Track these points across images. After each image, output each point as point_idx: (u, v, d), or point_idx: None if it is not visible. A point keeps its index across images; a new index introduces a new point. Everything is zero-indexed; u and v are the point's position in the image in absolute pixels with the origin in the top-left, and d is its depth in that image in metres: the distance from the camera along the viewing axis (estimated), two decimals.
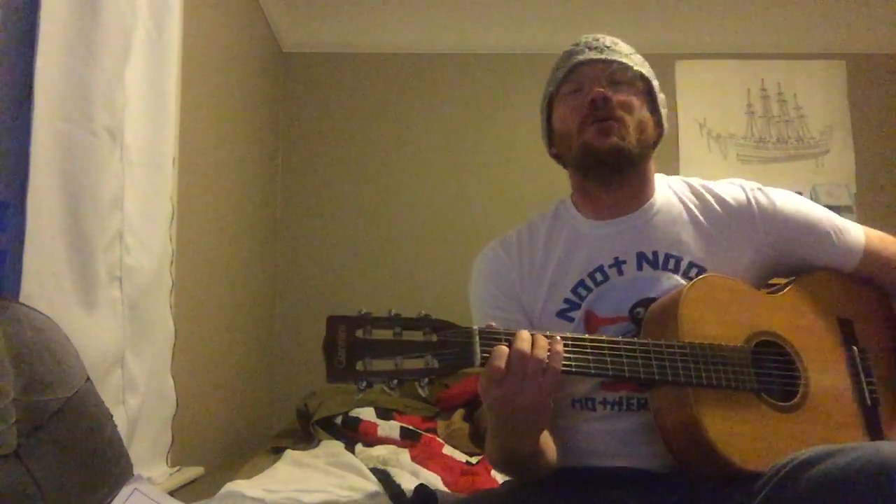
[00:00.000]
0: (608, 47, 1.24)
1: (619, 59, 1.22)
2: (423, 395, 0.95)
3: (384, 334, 0.92)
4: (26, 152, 1.24)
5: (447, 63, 3.28)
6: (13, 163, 1.28)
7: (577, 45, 1.27)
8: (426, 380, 0.91)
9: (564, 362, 0.97)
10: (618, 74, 1.21)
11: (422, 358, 0.92)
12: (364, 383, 0.90)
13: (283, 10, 3.10)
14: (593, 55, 1.22)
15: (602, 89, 1.18)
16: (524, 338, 0.95)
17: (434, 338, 0.93)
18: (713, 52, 3.27)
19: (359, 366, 0.90)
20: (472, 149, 3.21)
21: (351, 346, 0.90)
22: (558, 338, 0.98)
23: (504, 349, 0.94)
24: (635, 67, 1.23)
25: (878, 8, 3.24)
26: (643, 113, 1.21)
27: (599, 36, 1.26)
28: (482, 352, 0.94)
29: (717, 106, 3.25)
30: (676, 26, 3.23)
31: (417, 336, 0.92)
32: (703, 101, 3.24)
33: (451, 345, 0.93)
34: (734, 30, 3.27)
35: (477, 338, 0.95)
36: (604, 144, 1.17)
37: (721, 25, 3.27)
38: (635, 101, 1.21)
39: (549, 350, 0.96)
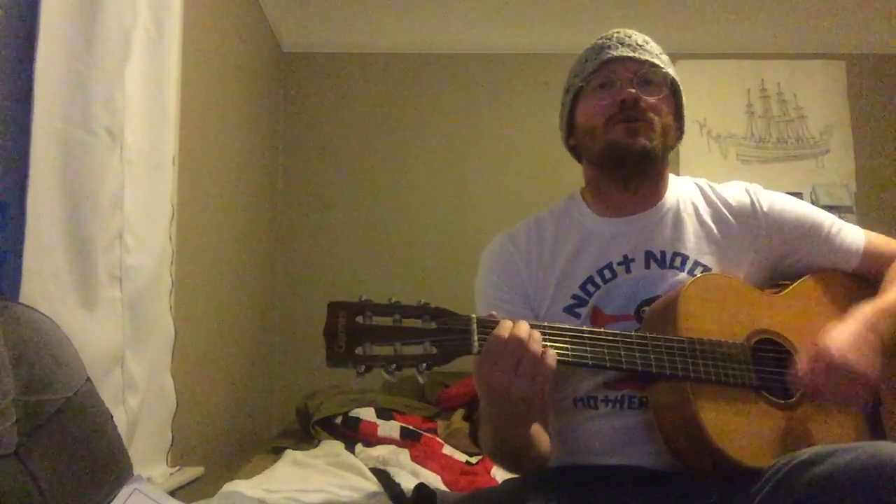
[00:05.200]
0: (640, 45, 1.22)
1: (651, 60, 1.21)
2: (422, 381, 0.96)
3: (384, 321, 0.93)
4: (26, 152, 1.24)
5: (447, 63, 3.27)
6: (13, 163, 1.28)
7: (608, 38, 1.24)
8: (424, 365, 0.92)
9: (561, 352, 0.99)
10: (648, 75, 1.20)
11: (420, 344, 0.93)
12: (363, 367, 0.91)
13: (283, 10, 3.10)
14: (625, 52, 1.21)
15: (633, 90, 1.17)
16: (523, 328, 0.96)
17: (433, 325, 0.94)
18: (713, 52, 3.27)
19: (358, 350, 0.92)
20: (471, 148, 3.21)
21: (351, 332, 0.92)
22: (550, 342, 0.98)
23: (506, 327, 0.95)
24: (665, 69, 1.22)
25: (878, 8, 3.23)
26: (669, 117, 1.21)
27: (631, 32, 1.25)
28: (480, 339, 0.95)
29: (717, 106, 3.25)
30: (676, 26, 3.22)
31: (416, 323, 0.94)
32: (703, 101, 3.23)
33: (449, 332, 0.94)
34: (734, 30, 3.27)
35: (475, 325, 0.96)
36: (631, 145, 1.17)
37: (721, 25, 3.27)
38: (663, 105, 1.20)
39: (544, 345, 0.96)
